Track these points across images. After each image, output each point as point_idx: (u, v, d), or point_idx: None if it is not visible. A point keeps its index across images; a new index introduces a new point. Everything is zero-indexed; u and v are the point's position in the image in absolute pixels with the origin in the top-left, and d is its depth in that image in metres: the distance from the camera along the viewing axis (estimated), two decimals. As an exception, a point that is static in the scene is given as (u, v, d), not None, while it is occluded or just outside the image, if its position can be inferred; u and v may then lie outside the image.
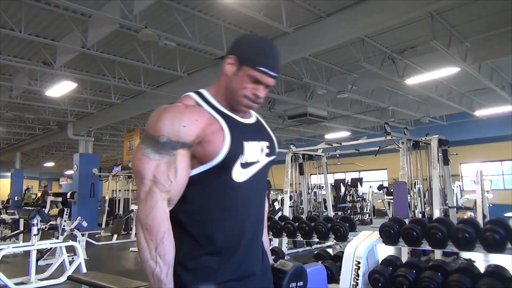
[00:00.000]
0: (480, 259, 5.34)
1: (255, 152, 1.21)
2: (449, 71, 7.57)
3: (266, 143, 1.27)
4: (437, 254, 4.92)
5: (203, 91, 1.25)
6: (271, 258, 1.42)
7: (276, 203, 9.73)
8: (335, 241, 3.72)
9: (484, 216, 6.98)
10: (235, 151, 1.14)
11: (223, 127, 1.15)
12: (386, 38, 6.90)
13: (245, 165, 1.17)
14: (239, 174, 1.16)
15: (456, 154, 8.04)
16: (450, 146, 6.32)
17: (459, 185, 10.45)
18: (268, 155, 1.27)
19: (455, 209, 6.34)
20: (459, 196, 9.62)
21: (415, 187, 6.45)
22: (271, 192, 11.12)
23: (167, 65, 7.52)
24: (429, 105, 11.77)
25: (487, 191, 8.70)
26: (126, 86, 8.26)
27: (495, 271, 2.77)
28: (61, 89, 8.06)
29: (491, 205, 9.04)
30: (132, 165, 1.16)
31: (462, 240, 2.79)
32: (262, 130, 1.32)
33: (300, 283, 1.39)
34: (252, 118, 1.31)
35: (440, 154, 5.96)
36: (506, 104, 10.60)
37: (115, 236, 9.66)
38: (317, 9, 5.76)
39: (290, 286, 1.35)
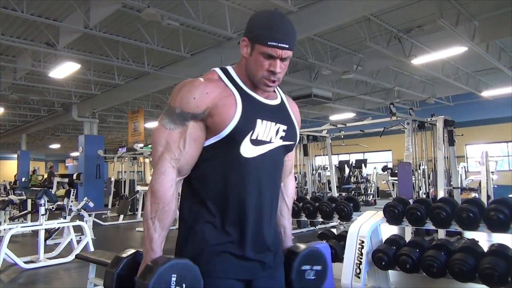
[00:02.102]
0: (484, 239, 5.37)
1: (269, 132, 1.21)
2: (456, 50, 7.46)
3: (284, 127, 1.26)
4: (441, 234, 4.96)
5: (228, 67, 1.27)
6: (290, 241, 1.41)
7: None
8: (339, 221, 3.75)
9: (488, 197, 6.98)
10: (245, 125, 1.15)
11: (236, 101, 1.17)
12: (393, 17, 6.78)
13: (255, 142, 1.18)
14: (248, 150, 1.17)
15: (462, 135, 7.99)
16: (456, 127, 6.28)
17: (464, 166, 10.42)
18: (283, 138, 1.26)
19: (460, 190, 6.33)
20: (464, 177, 9.61)
21: (419, 168, 6.44)
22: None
23: (171, 45, 7.46)
24: (435, 85, 11.64)
25: (492, 172, 8.67)
26: (130, 67, 8.22)
27: (498, 250, 2.78)
28: (64, 70, 8.04)
29: (495, 186, 9.02)
30: (152, 133, 1.21)
31: (466, 220, 2.80)
32: (283, 113, 1.30)
33: (318, 267, 1.35)
34: (276, 99, 1.31)
35: (445, 135, 5.92)
36: (514, 85, 10.47)
37: (121, 216, 9.79)
38: (323, -13, 5.65)
39: (303, 268, 1.31)
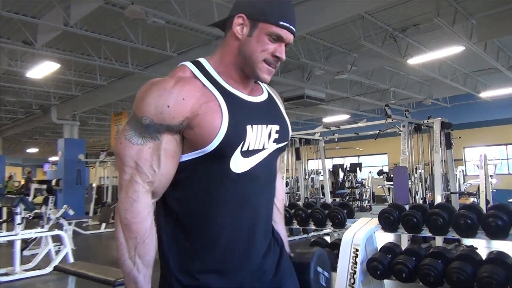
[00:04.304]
0: (483, 246, 5.43)
1: (261, 138, 1.08)
2: (453, 50, 7.57)
3: (276, 127, 1.13)
4: (438, 241, 5.00)
5: (202, 60, 1.10)
6: (287, 248, 1.29)
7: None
8: (332, 228, 3.76)
9: (487, 202, 7.07)
10: (234, 137, 1.01)
11: (221, 107, 1.01)
12: (388, 15, 6.86)
13: (246, 153, 1.04)
14: (239, 164, 1.04)
15: (460, 137, 8.09)
16: (453, 129, 6.35)
17: (462, 170, 10.55)
18: (277, 141, 1.13)
19: (458, 194, 6.40)
20: (462, 181, 9.72)
21: (416, 172, 6.50)
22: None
23: (156, 44, 7.44)
24: (432, 86, 11.78)
25: (491, 176, 8.79)
26: (113, 66, 8.18)
27: (497, 258, 2.81)
28: (43, 70, 7.96)
29: (494, 190, 9.15)
30: (114, 148, 1.05)
31: (464, 227, 2.83)
32: (273, 110, 1.17)
33: (326, 274, 1.26)
34: (263, 94, 1.17)
35: (442, 138, 5.99)
36: (512, 85, 10.65)
37: (104, 224, 9.70)
38: (315, -16, 5.70)
39: (318, 270, 1.23)
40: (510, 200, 9.36)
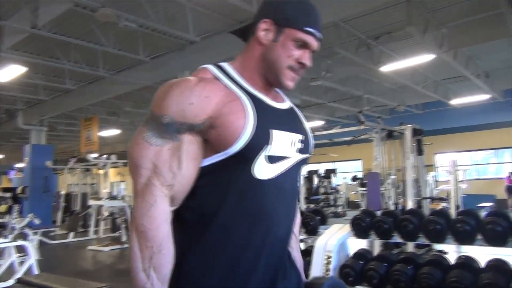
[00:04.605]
0: (453, 250, 5.57)
1: (285, 145, 1.02)
2: (424, 58, 7.79)
3: (299, 137, 1.08)
4: (410, 246, 5.10)
5: (223, 64, 1.06)
6: (303, 276, 1.20)
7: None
8: (306, 235, 3.79)
9: (457, 207, 7.28)
10: (259, 138, 0.95)
11: (246, 107, 0.97)
12: (362, 23, 7.00)
13: (272, 159, 0.98)
14: (263, 169, 0.97)
15: (431, 144, 8.31)
16: (425, 135, 6.51)
17: (434, 176, 10.83)
18: (301, 151, 1.07)
19: (429, 200, 6.56)
20: (433, 187, 9.97)
21: (389, 178, 6.63)
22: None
23: (128, 48, 7.34)
24: (405, 93, 12.08)
25: (461, 181, 9.06)
26: (83, 71, 8.02)
27: (465, 263, 2.90)
28: (9, 73, 7.72)
29: (465, 195, 9.42)
30: (128, 151, 0.98)
31: (433, 232, 2.90)
32: (296, 119, 1.13)
33: None
34: (285, 103, 1.13)
35: (414, 144, 6.13)
36: (481, 93, 11.04)
37: (72, 234, 9.46)
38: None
39: None
40: (479, 205, 9.68)
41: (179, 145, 0.93)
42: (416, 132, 6.16)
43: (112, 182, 14.01)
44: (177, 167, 0.92)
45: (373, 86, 10.90)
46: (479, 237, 2.81)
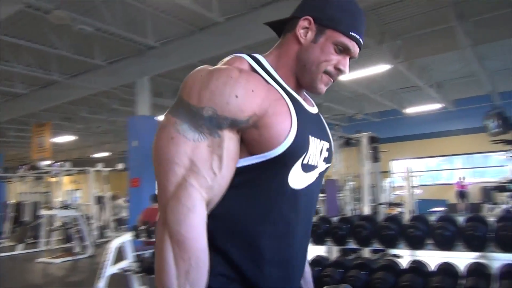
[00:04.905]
0: (407, 254, 5.78)
1: (317, 153, 0.96)
2: (381, 68, 8.09)
3: (327, 145, 1.01)
4: (367, 252, 5.26)
5: (259, 56, 0.96)
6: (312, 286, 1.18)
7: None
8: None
9: (412, 212, 7.58)
10: (300, 145, 0.88)
11: (290, 109, 0.89)
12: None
13: (306, 168, 0.92)
14: (298, 178, 0.90)
15: (388, 151, 8.62)
16: (382, 142, 6.75)
17: (390, 182, 11.22)
18: (326, 160, 1.02)
19: (385, 205, 6.79)
20: (390, 193, 10.33)
21: (347, 185, 6.81)
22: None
23: (84, 52, 7.15)
24: (363, 101, 12.46)
25: (415, 186, 9.45)
26: (35, 74, 7.73)
27: (416, 267, 3.03)
28: (-47, 76, 7.32)
29: (419, 200, 9.83)
30: (157, 144, 0.85)
31: (386, 237, 3.01)
32: (323, 126, 1.06)
33: None
34: (314, 107, 1.06)
35: (371, 151, 6.34)
36: (434, 102, 11.59)
37: (20, 245, 9.05)
38: (251, -1, 5.82)
39: None
40: (432, 209, 10.13)
41: (219, 142, 0.83)
42: (372, 140, 6.37)
43: (67, 190, 13.50)
44: (217, 166, 0.83)
45: (332, 95, 11.17)
46: (429, 241, 2.94)
